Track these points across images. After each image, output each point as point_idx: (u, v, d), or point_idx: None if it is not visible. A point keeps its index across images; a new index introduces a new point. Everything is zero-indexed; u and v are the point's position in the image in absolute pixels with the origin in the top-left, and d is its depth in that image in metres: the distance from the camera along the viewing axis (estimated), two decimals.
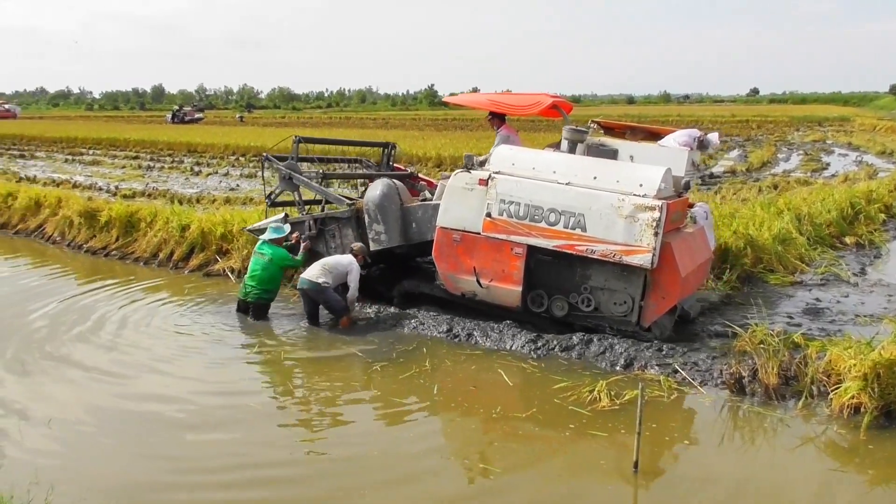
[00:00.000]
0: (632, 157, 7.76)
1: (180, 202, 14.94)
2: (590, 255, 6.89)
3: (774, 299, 8.73)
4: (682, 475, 4.95)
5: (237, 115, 75.09)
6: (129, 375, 6.73)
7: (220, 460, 5.17)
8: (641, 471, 4.82)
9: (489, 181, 7.29)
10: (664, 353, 6.82)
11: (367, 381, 6.61)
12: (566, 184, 6.99)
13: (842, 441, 5.37)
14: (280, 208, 9.61)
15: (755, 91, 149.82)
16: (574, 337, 7.16)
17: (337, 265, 8.02)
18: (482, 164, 7.63)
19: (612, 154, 7.80)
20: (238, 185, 18.63)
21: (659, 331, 7.16)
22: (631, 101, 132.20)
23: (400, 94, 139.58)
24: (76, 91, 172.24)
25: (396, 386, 6.47)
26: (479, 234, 7.39)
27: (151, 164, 24.97)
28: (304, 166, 9.49)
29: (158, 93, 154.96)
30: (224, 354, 7.30)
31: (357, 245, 8.32)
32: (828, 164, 23.30)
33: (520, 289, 7.29)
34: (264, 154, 9.26)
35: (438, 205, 7.76)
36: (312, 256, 8.67)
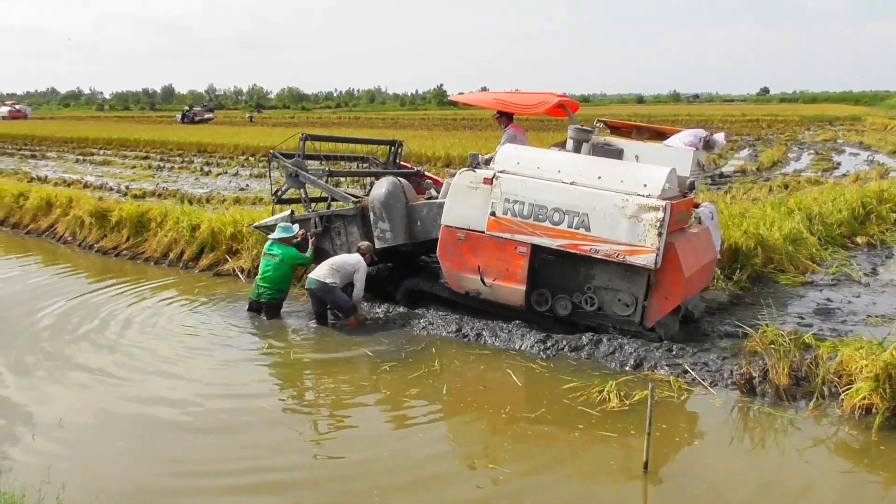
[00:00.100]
0: (637, 157, 7.75)
1: (190, 202, 15.00)
2: (593, 255, 6.90)
3: (785, 299, 8.69)
4: (693, 476, 4.92)
5: (247, 116, 75.30)
6: (136, 376, 6.75)
7: (229, 464, 5.14)
8: (651, 472, 4.81)
9: (494, 180, 7.30)
10: (674, 353, 6.80)
11: (376, 382, 6.61)
12: (570, 183, 6.99)
13: (853, 442, 5.34)
14: (286, 205, 9.65)
15: (765, 90, 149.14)
16: (583, 337, 7.15)
17: (344, 265, 8.04)
18: (487, 162, 7.63)
19: (618, 154, 7.79)
20: (248, 185, 18.69)
21: (663, 331, 7.15)
22: (640, 100, 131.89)
23: (409, 93, 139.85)
24: (87, 91, 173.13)
25: (405, 386, 6.47)
26: (483, 232, 7.40)
27: (161, 164, 25.07)
28: (317, 164, 9.51)
29: (168, 93, 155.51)
30: (232, 355, 7.30)
31: (364, 244, 8.34)
32: (839, 164, 23.14)
33: (523, 288, 7.30)
34: (271, 151, 9.29)
35: (443, 203, 7.77)
36: (318, 254, 8.71)
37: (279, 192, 9.44)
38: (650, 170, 6.98)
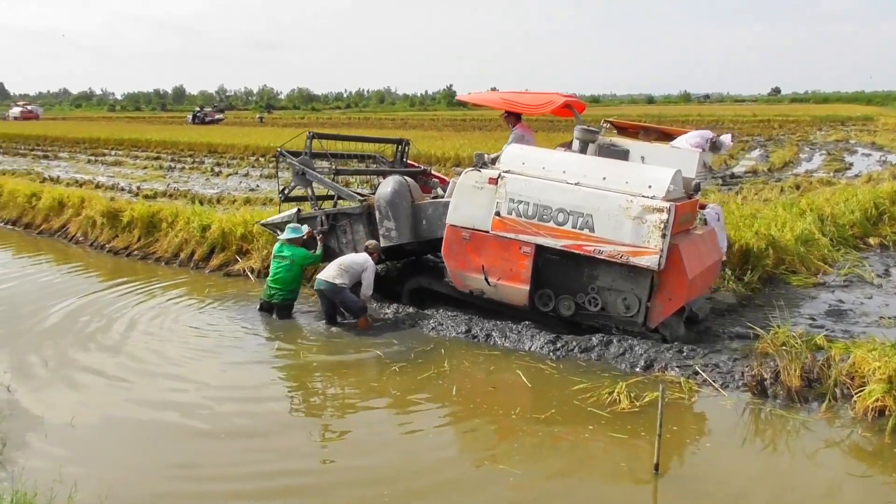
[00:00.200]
0: (643, 158, 7.75)
1: (201, 202, 15.04)
2: (597, 256, 6.91)
3: (797, 301, 8.65)
4: (704, 478, 4.90)
5: (257, 116, 75.53)
6: (146, 377, 6.75)
7: (238, 468, 5.11)
8: (662, 473, 4.79)
9: (499, 180, 7.31)
10: (685, 354, 6.77)
11: (385, 383, 6.60)
12: (575, 184, 7.00)
13: (866, 444, 5.30)
14: (293, 203, 9.69)
15: (776, 90, 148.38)
16: (593, 338, 7.13)
17: (353, 264, 8.05)
18: (493, 161, 7.64)
19: (623, 154, 7.79)
20: (258, 186, 18.74)
21: (667, 332, 7.15)
22: (651, 100, 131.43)
23: (418, 94, 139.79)
24: (98, 92, 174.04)
25: (415, 387, 6.48)
26: (487, 232, 7.42)
27: (172, 164, 25.17)
28: (326, 164, 9.54)
29: (179, 94, 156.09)
30: (242, 356, 7.31)
31: (372, 243, 8.36)
32: (851, 164, 23.00)
33: (527, 287, 7.32)
34: (279, 149, 9.34)
35: (449, 202, 7.80)
36: (325, 253, 8.74)
37: (286, 191, 9.48)
38: (655, 171, 6.98)
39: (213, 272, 10.70)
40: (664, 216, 6.58)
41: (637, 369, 6.65)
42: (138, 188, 18.31)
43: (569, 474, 5.03)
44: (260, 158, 25.77)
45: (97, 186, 18.87)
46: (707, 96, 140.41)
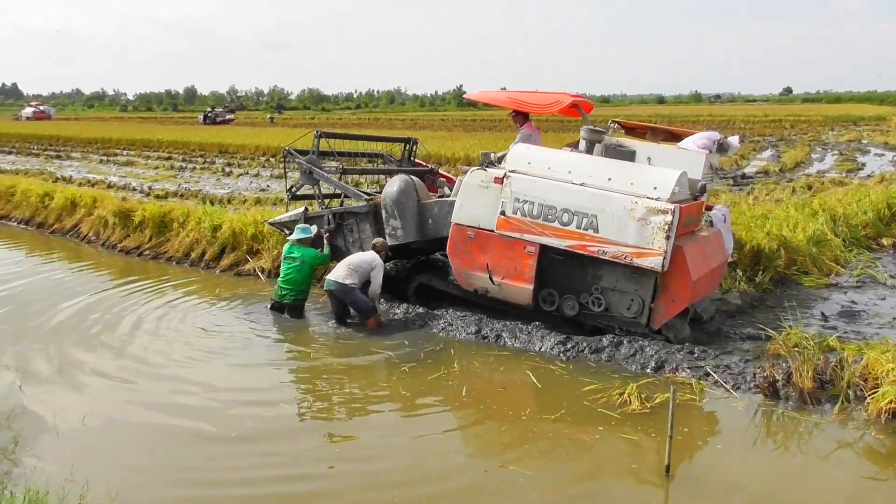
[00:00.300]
0: (649, 159, 7.73)
1: (212, 202, 15.10)
2: (601, 256, 6.92)
3: (809, 302, 8.60)
4: (715, 480, 4.87)
5: (268, 116, 75.75)
6: (156, 377, 6.77)
7: (247, 472, 5.07)
8: (673, 475, 4.77)
9: (504, 179, 7.33)
10: (696, 355, 6.74)
11: (395, 384, 6.59)
12: (580, 184, 7.01)
13: (879, 447, 5.25)
14: (301, 202, 9.72)
15: (788, 90, 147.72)
16: (604, 339, 7.11)
17: (362, 264, 8.06)
18: (500, 160, 7.64)
19: (630, 155, 7.78)
20: (268, 186, 18.78)
21: (671, 333, 7.14)
22: (661, 100, 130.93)
23: (428, 94, 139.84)
24: (111, 93, 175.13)
25: (425, 388, 6.47)
26: (492, 231, 7.45)
27: (184, 164, 25.27)
28: (335, 163, 9.57)
29: (191, 94, 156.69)
30: (252, 357, 7.31)
31: (379, 241, 8.38)
32: (863, 165, 22.85)
33: (531, 287, 7.33)
34: (287, 148, 9.39)
35: (454, 201, 7.82)
36: (332, 252, 8.79)
37: (293, 189, 9.52)
38: (661, 173, 6.97)
39: (223, 272, 10.73)
40: (668, 218, 6.57)
41: (648, 370, 6.63)
42: (150, 188, 18.39)
43: (579, 476, 5.01)
44: (270, 158, 25.84)
45: (109, 186, 18.97)
46: (718, 96, 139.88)
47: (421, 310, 8.38)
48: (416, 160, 10.73)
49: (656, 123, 9.49)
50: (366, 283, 8.06)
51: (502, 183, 7.34)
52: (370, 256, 8.16)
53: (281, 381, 6.86)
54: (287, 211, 9.65)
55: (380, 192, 8.84)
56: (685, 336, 7.15)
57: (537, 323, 7.58)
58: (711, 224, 8.00)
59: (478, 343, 7.49)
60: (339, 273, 7.99)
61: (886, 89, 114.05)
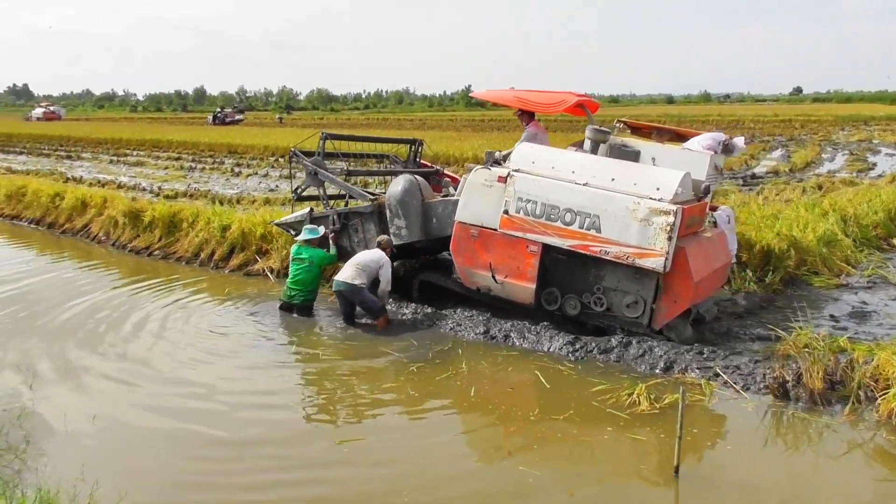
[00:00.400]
0: (654, 159, 7.74)
1: (221, 203, 15.15)
2: (603, 257, 6.92)
3: (819, 302, 8.55)
4: (725, 481, 4.85)
5: (276, 117, 76.02)
6: (164, 378, 6.76)
7: (254, 476, 5.04)
8: (683, 476, 4.75)
9: (508, 178, 7.35)
10: (705, 356, 6.72)
11: (403, 384, 6.58)
12: (584, 184, 7.02)
13: (891, 448, 5.22)
14: (307, 203, 9.75)
15: (798, 90, 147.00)
16: (612, 339, 7.10)
17: (369, 263, 8.08)
18: (505, 158, 7.66)
19: (635, 155, 7.78)
20: (277, 186, 18.83)
21: (673, 334, 7.13)
22: (670, 100, 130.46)
23: (437, 94, 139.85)
24: (121, 93, 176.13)
25: (434, 388, 6.47)
26: (495, 230, 7.46)
27: (193, 164, 25.35)
28: (344, 164, 9.60)
29: (200, 95, 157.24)
30: (261, 358, 7.29)
31: (384, 238, 8.42)
32: (874, 164, 22.73)
33: (533, 286, 7.35)
34: (292, 149, 9.44)
35: (459, 200, 7.83)
36: (339, 253, 8.83)
37: (299, 190, 9.56)
38: (664, 173, 6.98)
39: (232, 272, 10.76)
40: (670, 219, 6.57)
41: (657, 371, 6.61)
42: (159, 188, 18.47)
43: (588, 476, 5.00)
44: (279, 159, 25.90)
45: (119, 186, 19.06)
46: (727, 96, 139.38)
47: (429, 310, 8.39)
48: (422, 161, 10.77)
49: (665, 123, 9.48)
50: (374, 282, 8.08)
51: (506, 182, 7.36)
52: (377, 255, 8.18)
53: (290, 382, 6.85)
54: (293, 212, 9.69)
55: (385, 193, 8.88)
56: (687, 337, 7.14)
57: (546, 323, 7.58)
58: (715, 225, 7.99)
59: (486, 343, 7.49)
60: (348, 273, 8.00)
61: None
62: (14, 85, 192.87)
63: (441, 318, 8.11)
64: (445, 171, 10.45)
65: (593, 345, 7.07)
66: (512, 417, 5.91)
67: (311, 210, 9.30)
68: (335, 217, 8.96)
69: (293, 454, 5.34)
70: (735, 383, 6.21)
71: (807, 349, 6.23)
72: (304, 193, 9.72)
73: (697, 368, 6.52)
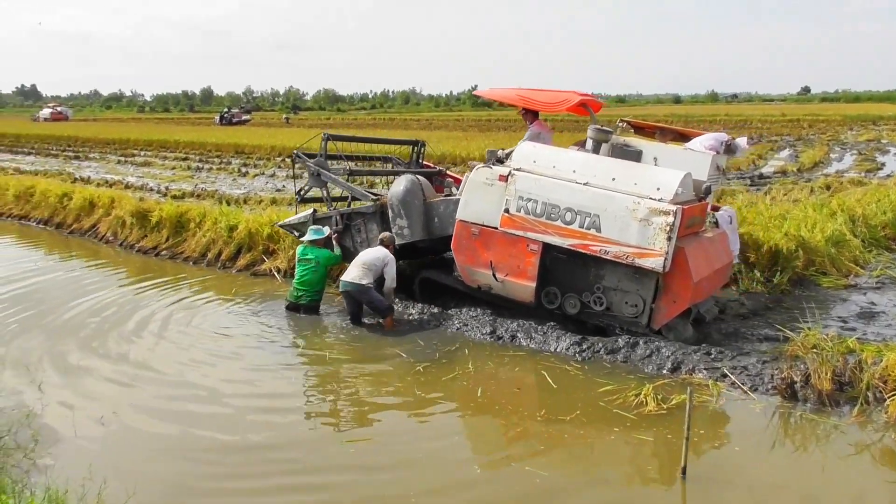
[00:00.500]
0: (656, 159, 7.75)
1: (228, 203, 15.17)
2: (603, 256, 6.93)
3: (827, 303, 8.52)
4: (733, 482, 4.83)
5: (283, 117, 76.02)
6: (170, 377, 6.78)
7: (259, 480, 5.00)
8: (690, 477, 4.74)
9: (509, 177, 7.37)
10: (712, 356, 6.70)
11: (410, 384, 6.58)
12: (584, 184, 7.03)
13: None
14: (310, 204, 9.80)
15: (806, 89, 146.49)
16: (619, 340, 7.09)
17: (374, 261, 8.09)
18: (508, 155, 7.68)
19: (636, 155, 7.79)
20: (284, 186, 18.86)
21: (672, 334, 7.12)
22: (677, 100, 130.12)
23: (443, 94, 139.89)
24: (128, 94, 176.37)
25: (440, 388, 6.47)
26: (496, 228, 7.48)
27: (200, 165, 25.41)
28: (351, 164, 9.64)
29: (207, 95, 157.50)
30: (267, 359, 7.28)
31: (386, 234, 8.46)
32: (883, 164, 22.62)
33: (534, 285, 7.37)
34: (295, 151, 9.51)
35: (460, 199, 7.84)
36: (343, 253, 8.87)
37: (302, 192, 9.61)
38: (665, 173, 6.98)
39: (239, 272, 10.79)
40: (670, 219, 6.57)
41: (664, 371, 6.59)
42: (167, 188, 18.52)
43: (596, 476, 5.00)
44: (286, 159, 25.90)
45: (127, 187, 19.13)
46: (735, 96, 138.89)
47: (435, 310, 8.39)
48: (425, 162, 10.81)
49: (671, 123, 9.48)
50: (380, 281, 8.09)
51: (507, 181, 7.38)
52: (381, 253, 8.20)
53: (297, 384, 6.82)
54: (297, 213, 9.73)
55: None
56: (687, 337, 7.14)
57: (552, 323, 7.57)
58: (717, 225, 7.97)
59: (492, 344, 7.49)
60: (355, 274, 8.01)
61: None
62: (22, 85, 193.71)
63: (447, 319, 8.11)
64: (448, 172, 10.47)
65: (600, 345, 7.06)
66: (519, 418, 5.90)
67: (315, 211, 9.34)
68: (338, 218, 9.00)
69: (300, 458, 5.29)
70: (743, 384, 6.19)
71: (815, 350, 6.21)
72: (308, 195, 9.75)
73: (705, 369, 6.50)
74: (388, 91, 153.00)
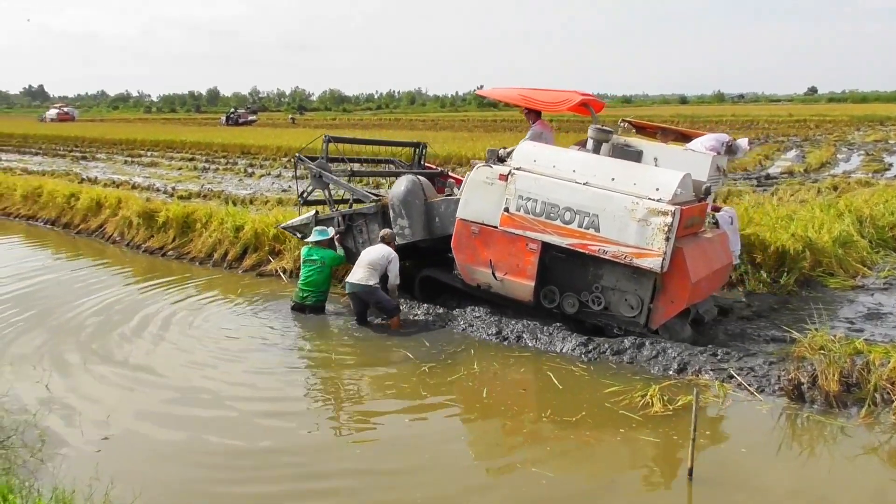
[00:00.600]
0: (656, 160, 7.76)
1: (234, 203, 15.22)
2: (602, 256, 6.94)
3: (834, 304, 8.49)
4: (739, 484, 4.81)
5: (289, 117, 76.22)
6: (175, 378, 6.77)
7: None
8: (697, 478, 4.72)
9: (509, 176, 7.39)
10: (719, 357, 6.68)
11: (416, 385, 6.57)
12: (584, 183, 7.05)
13: None
14: (313, 206, 9.83)
15: (813, 90, 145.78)
16: (625, 341, 7.07)
17: (378, 260, 8.12)
18: (509, 154, 7.70)
19: (637, 155, 7.80)
20: (290, 187, 18.86)
21: (669, 334, 7.12)
22: (683, 100, 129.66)
23: (449, 95, 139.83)
24: (135, 94, 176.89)
25: (446, 389, 6.47)
26: (496, 227, 7.51)
27: (206, 165, 25.49)
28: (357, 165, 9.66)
29: (213, 95, 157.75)
30: (273, 360, 7.25)
31: (387, 231, 8.48)
32: (890, 165, 22.55)
33: (533, 284, 7.40)
34: (296, 154, 9.57)
35: (461, 199, 7.86)
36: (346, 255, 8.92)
37: (304, 194, 9.65)
38: (664, 174, 6.99)
39: (245, 272, 10.81)
40: (668, 219, 6.58)
41: (670, 372, 6.58)
42: (173, 189, 18.58)
43: (601, 478, 4.98)
44: (292, 159, 25.96)
45: (133, 187, 19.20)
46: (741, 96, 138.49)
47: (441, 310, 8.40)
48: (426, 164, 10.84)
49: (677, 123, 9.46)
50: (384, 278, 8.11)
51: (507, 180, 7.40)
52: (384, 251, 8.21)
53: (302, 385, 6.79)
54: (299, 215, 9.77)
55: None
56: (685, 337, 7.15)
57: (558, 324, 7.57)
58: (717, 226, 7.96)
59: (498, 344, 7.48)
60: (360, 274, 8.02)
61: None
62: (30, 86, 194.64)
63: (452, 319, 8.11)
64: (450, 173, 10.50)
65: (606, 346, 7.05)
66: (524, 419, 5.89)
67: (317, 213, 9.39)
68: (340, 219, 9.04)
69: (306, 462, 5.25)
70: (749, 385, 6.17)
71: (822, 351, 6.18)
72: (311, 197, 9.77)
73: (711, 370, 6.48)
74: (394, 91, 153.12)
